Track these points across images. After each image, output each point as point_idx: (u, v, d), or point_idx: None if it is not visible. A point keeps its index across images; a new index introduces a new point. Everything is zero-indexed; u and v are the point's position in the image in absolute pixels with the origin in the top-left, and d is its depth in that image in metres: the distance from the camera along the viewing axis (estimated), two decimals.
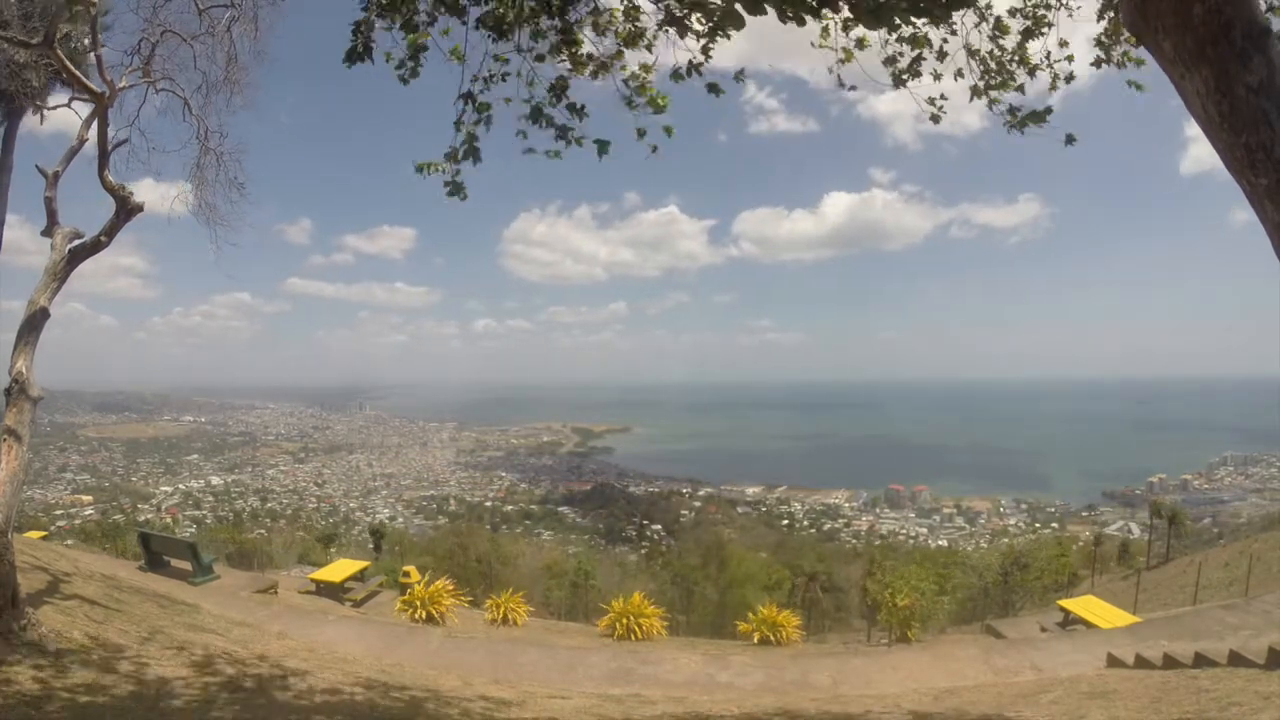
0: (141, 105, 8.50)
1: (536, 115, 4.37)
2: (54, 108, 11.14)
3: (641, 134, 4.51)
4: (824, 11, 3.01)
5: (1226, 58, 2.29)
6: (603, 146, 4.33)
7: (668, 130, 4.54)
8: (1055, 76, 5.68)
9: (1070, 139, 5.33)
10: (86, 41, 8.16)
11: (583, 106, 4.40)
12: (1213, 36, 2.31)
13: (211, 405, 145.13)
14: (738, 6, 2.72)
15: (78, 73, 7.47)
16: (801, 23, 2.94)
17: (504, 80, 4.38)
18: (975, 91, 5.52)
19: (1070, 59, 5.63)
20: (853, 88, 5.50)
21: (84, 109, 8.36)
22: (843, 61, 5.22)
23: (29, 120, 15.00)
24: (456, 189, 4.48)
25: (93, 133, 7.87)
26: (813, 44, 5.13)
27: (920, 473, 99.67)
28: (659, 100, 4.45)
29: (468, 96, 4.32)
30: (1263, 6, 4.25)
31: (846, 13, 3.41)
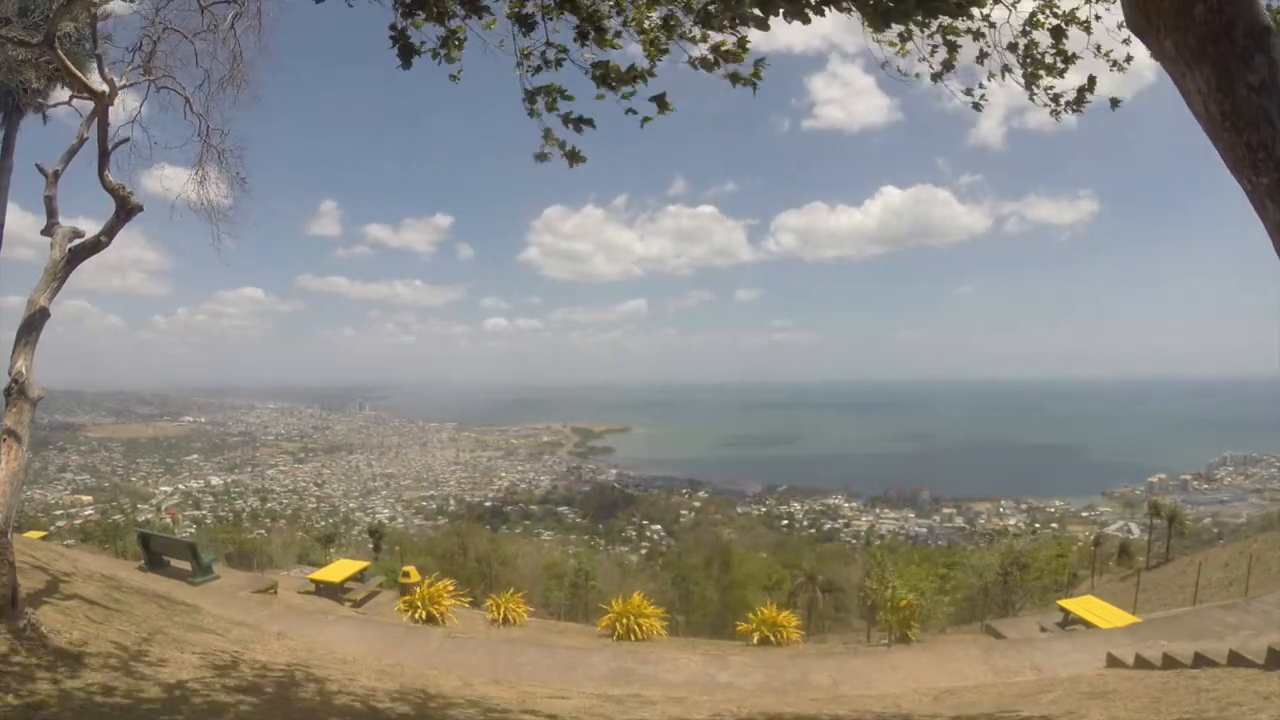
0: (143, 103, 8.51)
1: (605, 79, 4.31)
2: (55, 106, 11.15)
3: (739, 80, 4.29)
4: (829, 7, 3.01)
5: (1228, 56, 2.29)
6: (661, 101, 4.21)
7: (758, 68, 4.28)
8: (1113, 63, 5.66)
9: (1115, 102, 5.34)
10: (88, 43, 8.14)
11: (590, 120, 4.35)
12: (1214, 35, 2.30)
13: (211, 405, 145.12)
14: (754, 10, 2.73)
15: (77, 72, 7.46)
16: (806, 21, 2.94)
17: (559, 67, 4.36)
18: (1027, 78, 5.52)
19: (1127, 41, 5.59)
20: (916, 74, 5.45)
21: (85, 107, 8.36)
22: (898, 53, 5.20)
23: (31, 118, 14.99)
24: (572, 156, 4.60)
25: (93, 131, 7.86)
26: (873, 39, 5.11)
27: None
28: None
29: (530, 95, 4.39)
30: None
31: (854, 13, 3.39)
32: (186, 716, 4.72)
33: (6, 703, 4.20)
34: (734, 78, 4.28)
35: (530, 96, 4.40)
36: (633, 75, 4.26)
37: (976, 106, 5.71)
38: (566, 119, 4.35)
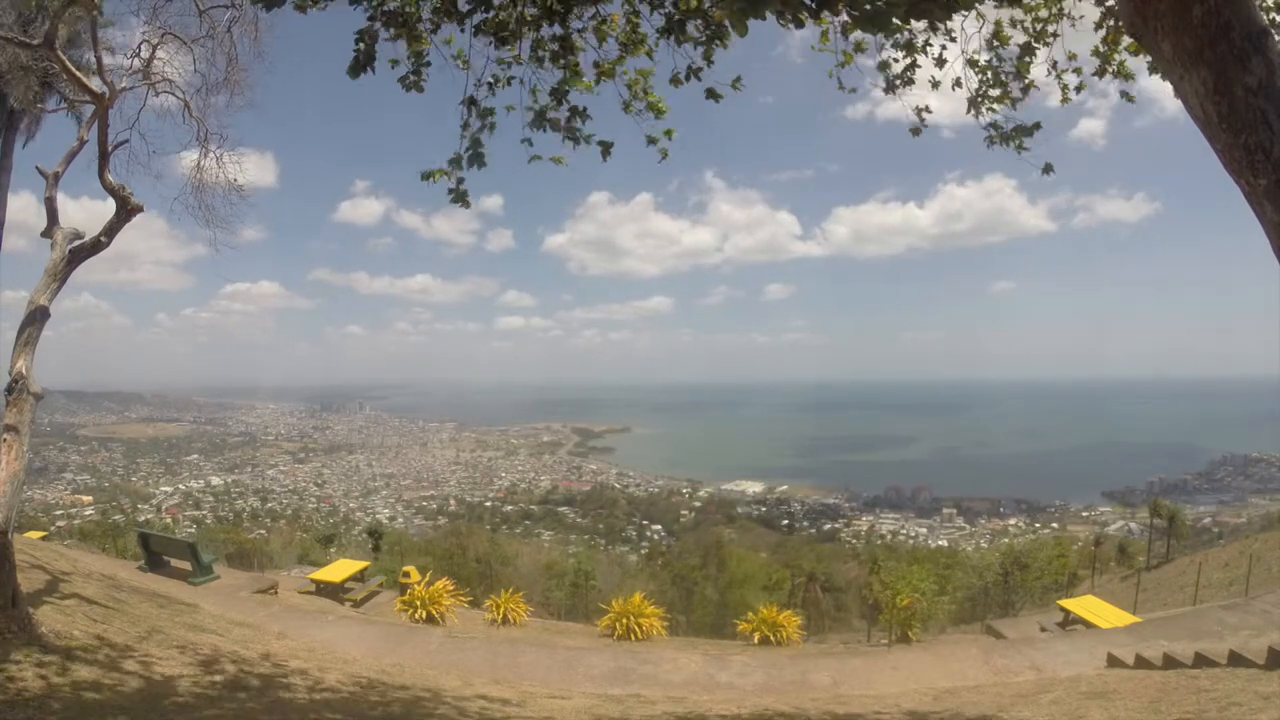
0: (142, 107, 8.51)
1: (539, 121, 4.39)
2: (55, 110, 11.16)
3: (653, 141, 4.59)
4: (823, 14, 3.01)
5: (1225, 59, 2.29)
6: (606, 148, 4.37)
7: (668, 134, 4.61)
8: (1065, 88, 5.63)
9: (1048, 168, 5.30)
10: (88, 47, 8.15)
11: (584, 109, 4.42)
12: (1211, 38, 2.31)
13: (211, 405, 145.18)
14: (737, 9, 2.72)
15: (78, 74, 7.47)
16: (800, 24, 2.95)
17: (509, 84, 4.40)
18: (972, 103, 5.45)
19: (1078, 71, 5.58)
20: (852, 90, 5.44)
21: (81, 115, 8.37)
22: (842, 65, 5.18)
23: (30, 121, 15.00)
24: (460, 196, 4.50)
25: (93, 133, 7.88)
26: (813, 48, 5.11)
27: None
28: (659, 106, 4.49)
29: (470, 101, 4.33)
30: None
31: (844, 16, 3.40)
32: (182, 715, 4.72)
33: (5, 700, 4.21)
34: (709, 93, 4.40)
35: (483, 114, 4.41)
36: (574, 117, 4.40)
37: (914, 131, 5.61)
38: (574, 110, 4.39)
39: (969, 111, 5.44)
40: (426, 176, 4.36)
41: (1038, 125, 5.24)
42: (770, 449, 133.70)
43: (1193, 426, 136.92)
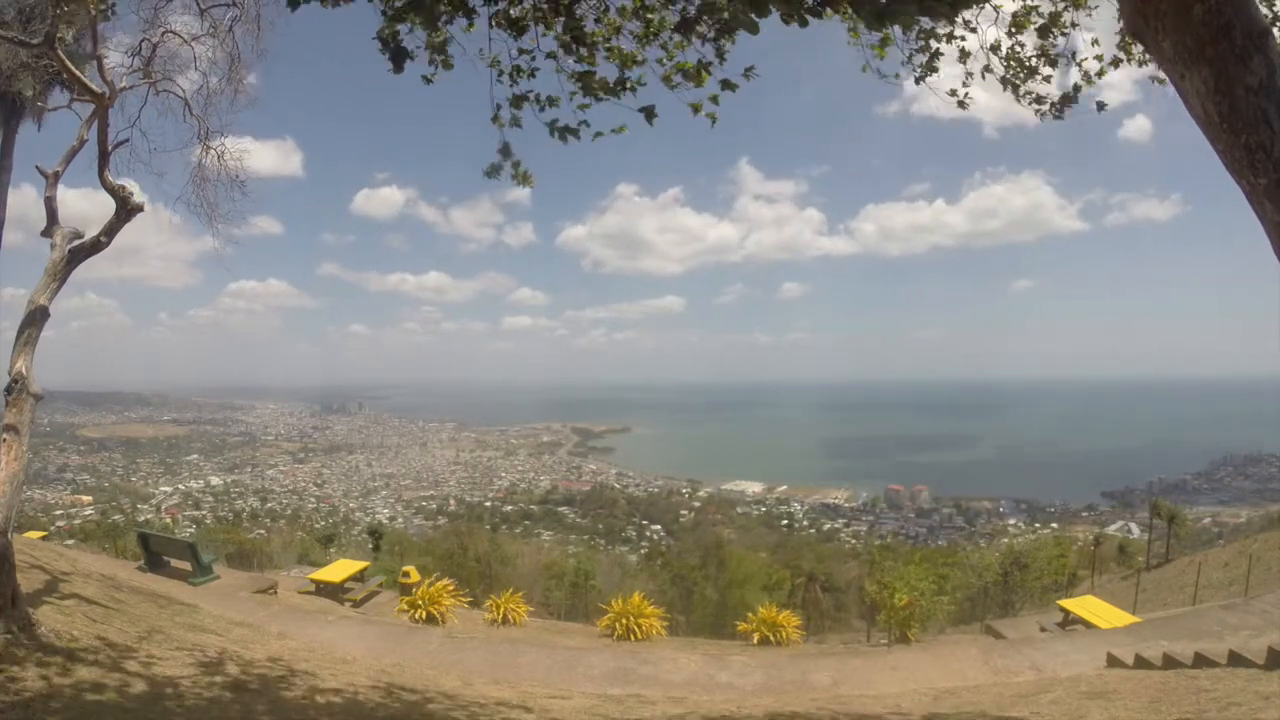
0: (143, 106, 8.50)
1: (589, 89, 4.29)
2: (55, 109, 11.17)
3: (697, 109, 4.44)
4: (825, 11, 3.00)
5: (1226, 58, 2.30)
6: (649, 112, 4.28)
7: (714, 98, 4.41)
8: (1086, 74, 5.70)
9: (1100, 106, 5.42)
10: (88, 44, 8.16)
11: (576, 130, 4.37)
12: (1212, 36, 2.31)
13: (212, 405, 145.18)
14: (741, 6, 2.71)
15: (78, 73, 7.47)
16: (804, 23, 2.95)
17: (533, 76, 4.40)
18: (1005, 83, 5.55)
19: (1099, 58, 5.64)
20: (895, 76, 5.46)
21: (85, 110, 8.37)
22: (879, 56, 5.19)
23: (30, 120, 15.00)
24: (523, 179, 4.60)
25: (93, 133, 7.88)
26: (848, 43, 5.11)
27: None
28: (696, 75, 4.32)
29: (515, 100, 4.36)
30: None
31: (847, 14, 3.39)
32: (182, 715, 4.72)
33: (5, 700, 4.21)
34: (694, 108, 4.33)
35: (515, 102, 4.41)
36: (620, 86, 4.28)
37: (961, 105, 5.72)
38: (553, 127, 4.32)
39: (1005, 89, 5.54)
40: (490, 173, 4.48)
41: (1078, 89, 5.39)
42: (789, 450, 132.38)
43: (1199, 426, 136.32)
